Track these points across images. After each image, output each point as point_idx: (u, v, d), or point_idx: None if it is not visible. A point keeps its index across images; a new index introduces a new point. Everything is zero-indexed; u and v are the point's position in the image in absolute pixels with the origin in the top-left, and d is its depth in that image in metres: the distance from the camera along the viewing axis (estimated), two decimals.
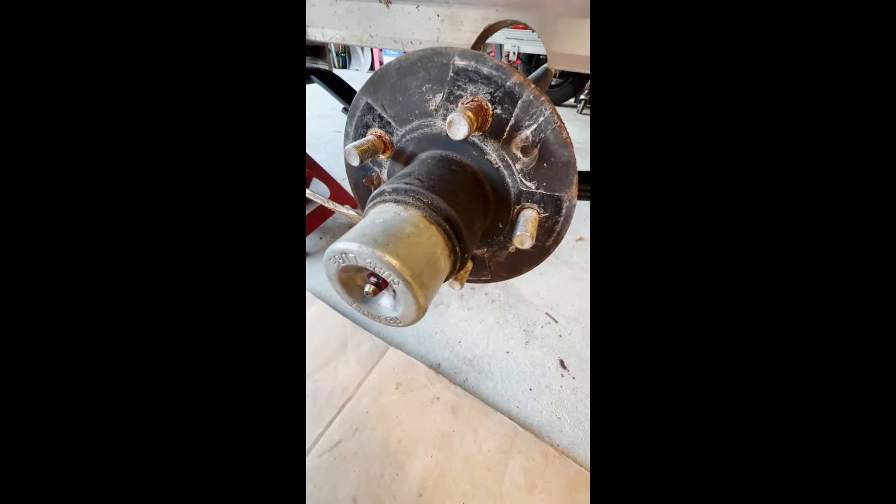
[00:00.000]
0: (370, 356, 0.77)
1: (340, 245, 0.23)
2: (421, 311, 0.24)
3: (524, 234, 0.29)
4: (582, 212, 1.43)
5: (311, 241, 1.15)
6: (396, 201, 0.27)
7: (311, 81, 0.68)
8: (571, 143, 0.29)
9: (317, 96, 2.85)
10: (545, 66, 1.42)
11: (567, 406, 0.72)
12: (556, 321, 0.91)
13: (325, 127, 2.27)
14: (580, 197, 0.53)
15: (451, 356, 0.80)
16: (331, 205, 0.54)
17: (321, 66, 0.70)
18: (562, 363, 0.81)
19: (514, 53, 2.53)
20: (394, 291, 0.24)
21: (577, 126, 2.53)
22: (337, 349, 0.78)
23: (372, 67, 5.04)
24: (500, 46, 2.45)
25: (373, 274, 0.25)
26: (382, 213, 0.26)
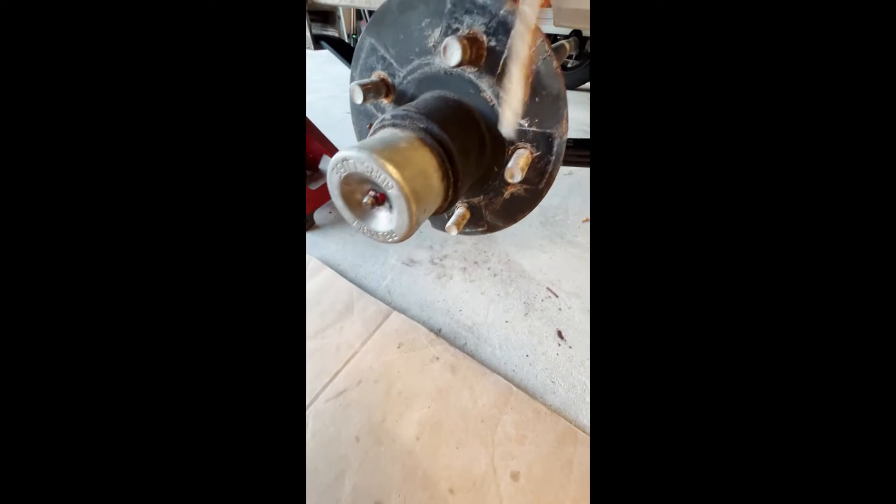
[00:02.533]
0: (374, 318, 0.81)
1: (341, 153, 0.25)
2: (413, 221, 0.26)
3: (514, 167, 0.31)
4: (588, 195, 1.42)
5: (321, 214, 1.19)
6: (394, 125, 0.29)
7: (322, 47, 0.69)
8: (562, 75, 0.30)
9: (327, 78, 2.85)
10: (560, 42, 1.38)
11: (561, 372, 0.74)
12: (557, 296, 0.93)
13: (336, 108, 2.28)
14: (576, 163, 0.53)
15: (451, 322, 0.84)
16: None
17: (331, 32, 0.71)
18: (559, 334, 0.82)
19: None
20: (390, 206, 0.27)
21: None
22: (343, 311, 0.83)
23: None
24: None
25: (372, 189, 0.27)
26: (381, 133, 0.28)
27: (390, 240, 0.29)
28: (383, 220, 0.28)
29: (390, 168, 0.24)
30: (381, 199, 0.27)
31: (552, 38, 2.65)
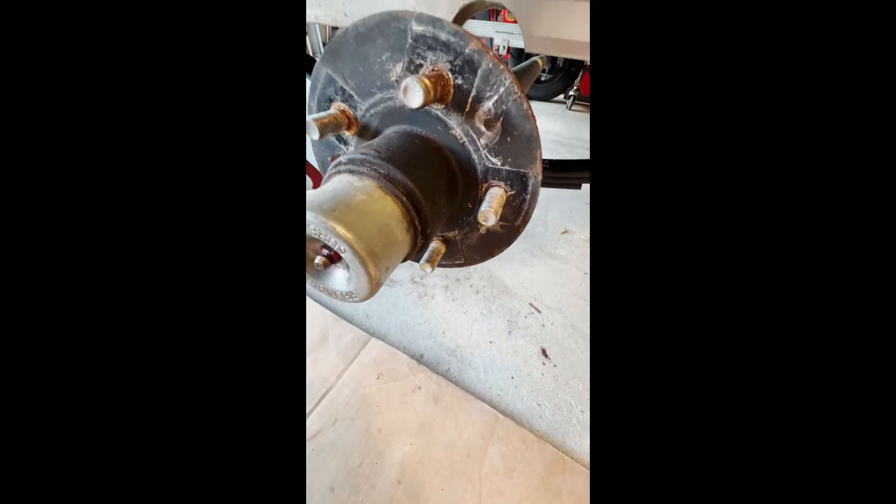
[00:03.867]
0: (352, 347, 0.76)
1: None
2: (373, 283, 0.23)
3: (488, 210, 0.29)
4: (567, 205, 1.45)
5: None
6: (351, 171, 0.26)
7: None
8: (533, 116, 0.29)
9: None
10: (532, 59, 1.41)
11: (547, 393, 0.73)
12: (539, 311, 0.92)
13: None
14: (551, 184, 0.53)
15: (434, 346, 0.80)
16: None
17: None
18: (544, 352, 0.82)
19: (503, 48, 2.52)
20: (346, 265, 0.23)
21: (565, 123, 2.55)
22: (317, 341, 0.77)
23: None
24: (491, 40, 2.44)
25: (325, 246, 0.24)
26: (334, 183, 0.25)
27: (350, 300, 0.25)
28: (340, 279, 0.25)
29: (341, 230, 0.21)
30: (335, 258, 0.24)
31: (524, 54, 2.76)
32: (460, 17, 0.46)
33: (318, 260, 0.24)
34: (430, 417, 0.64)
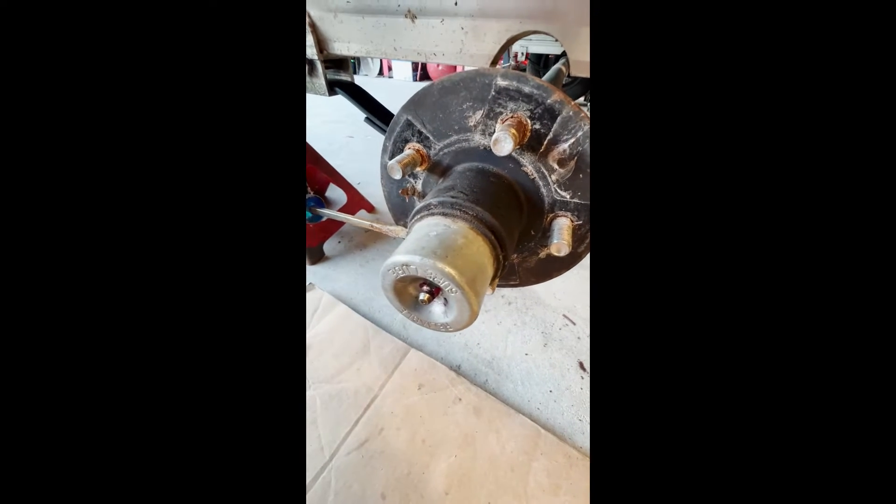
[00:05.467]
0: (392, 357, 0.79)
1: (401, 258, 0.25)
2: (474, 317, 0.25)
3: (561, 243, 0.30)
4: None
5: (330, 245, 1.18)
6: (444, 214, 0.29)
7: (336, 93, 0.70)
8: None
9: (327, 102, 2.91)
10: (556, 66, 1.42)
11: (588, 408, 0.72)
12: (574, 323, 0.91)
13: (338, 133, 2.32)
14: None
15: (470, 358, 0.82)
16: (384, 229, 0.56)
17: (343, 77, 0.72)
18: (581, 365, 0.81)
19: (522, 54, 2.53)
20: (444, 299, 0.26)
21: None
22: (360, 351, 0.81)
23: (381, 73, 5.13)
24: (510, 47, 2.46)
25: (426, 283, 0.26)
26: (434, 226, 0.28)
27: (445, 330, 0.28)
28: (438, 313, 0.28)
29: (454, 273, 0.23)
30: (436, 293, 0.27)
31: (544, 58, 2.75)
32: (506, 47, 0.49)
33: (423, 296, 0.26)
34: (472, 430, 0.66)
